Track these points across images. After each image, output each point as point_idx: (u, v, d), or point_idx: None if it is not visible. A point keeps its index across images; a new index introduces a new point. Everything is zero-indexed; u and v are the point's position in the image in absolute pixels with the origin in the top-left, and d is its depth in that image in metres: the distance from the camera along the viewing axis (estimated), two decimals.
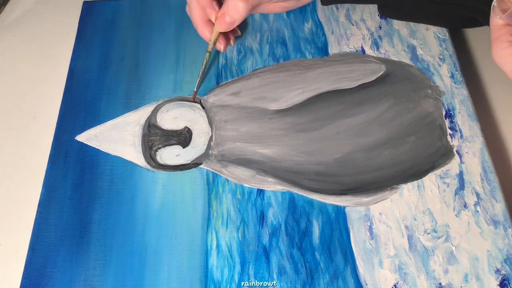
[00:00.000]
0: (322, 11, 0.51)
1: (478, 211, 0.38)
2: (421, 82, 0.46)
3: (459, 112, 0.44)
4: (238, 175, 0.41)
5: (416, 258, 0.37)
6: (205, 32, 0.44)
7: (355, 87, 0.45)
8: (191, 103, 0.45)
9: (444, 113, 0.44)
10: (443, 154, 0.42)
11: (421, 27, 0.49)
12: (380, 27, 0.50)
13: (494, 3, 0.32)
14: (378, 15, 0.50)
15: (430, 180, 0.40)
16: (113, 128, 0.44)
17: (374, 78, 0.46)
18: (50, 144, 0.43)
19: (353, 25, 0.50)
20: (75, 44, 0.50)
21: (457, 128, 0.43)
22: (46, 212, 0.40)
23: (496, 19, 0.33)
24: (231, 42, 0.48)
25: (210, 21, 0.43)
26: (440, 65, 0.47)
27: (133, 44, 0.50)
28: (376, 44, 0.48)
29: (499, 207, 0.39)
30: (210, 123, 0.44)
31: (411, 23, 0.49)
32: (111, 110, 0.45)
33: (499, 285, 0.35)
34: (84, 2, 0.54)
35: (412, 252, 0.37)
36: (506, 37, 0.32)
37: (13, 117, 0.48)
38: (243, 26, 0.50)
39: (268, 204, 0.40)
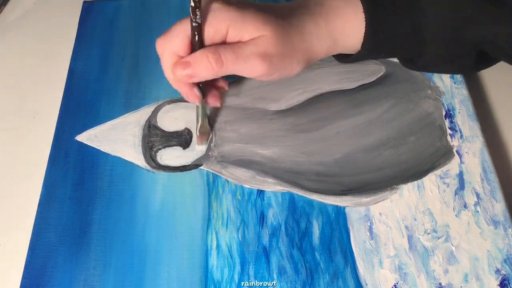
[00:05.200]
0: None
1: (478, 211, 0.39)
2: (421, 82, 0.46)
3: (459, 112, 0.44)
4: (238, 176, 0.41)
5: (416, 258, 0.37)
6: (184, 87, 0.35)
7: (355, 87, 0.45)
8: (192, 104, 0.45)
9: (444, 113, 0.44)
10: (443, 154, 0.42)
11: None
12: None
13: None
14: None
15: (430, 180, 0.40)
16: (113, 128, 0.44)
17: (374, 79, 0.46)
18: (50, 144, 0.43)
19: None
20: (75, 44, 0.50)
21: (457, 128, 0.43)
22: (46, 212, 0.40)
23: None
24: (218, 101, 0.40)
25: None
26: None
27: (133, 44, 0.50)
28: None
29: (499, 207, 0.39)
30: (211, 124, 0.44)
31: None
32: (111, 110, 0.45)
33: (499, 285, 0.35)
34: (84, 2, 0.54)
35: (412, 252, 0.37)
36: None
37: (13, 117, 0.48)
38: None
39: (268, 204, 0.40)
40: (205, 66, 0.31)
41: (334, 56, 0.37)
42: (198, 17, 0.30)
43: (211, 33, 0.31)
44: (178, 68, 0.31)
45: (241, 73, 0.32)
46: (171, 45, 0.31)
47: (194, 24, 0.30)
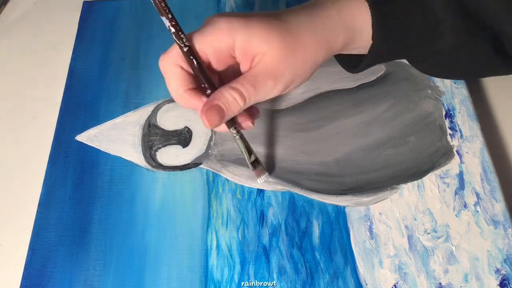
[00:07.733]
0: None
1: (478, 211, 0.38)
2: (421, 82, 0.46)
3: (459, 112, 0.44)
4: (238, 175, 0.41)
5: (416, 258, 0.37)
6: (192, 101, 0.33)
7: (355, 87, 0.45)
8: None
9: (444, 113, 0.44)
10: (443, 154, 0.42)
11: None
12: None
13: None
14: None
15: (430, 180, 0.40)
16: (113, 128, 0.44)
17: (374, 78, 0.46)
18: (50, 144, 0.43)
19: None
20: (75, 44, 0.50)
21: (457, 128, 0.43)
22: (46, 212, 0.40)
23: None
24: (250, 123, 0.36)
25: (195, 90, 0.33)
26: None
27: (133, 44, 0.50)
28: None
29: (499, 207, 0.39)
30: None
31: None
32: (111, 110, 0.45)
33: (499, 285, 0.35)
34: (84, 2, 0.54)
35: (412, 252, 0.37)
36: None
37: (13, 117, 0.48)
38: None
39: (268, 204, 0.40)
40: (234, 105, 0.31)
41: (343, 66, 0.37)
42: (185, 40, 0.30)
43: (216, 44, 0.30)
44: (211, 112, 0.31)
45: (262, 100, 0.32)
46: (171, 58, 0.32)
47: (185, 49, 0.30)
